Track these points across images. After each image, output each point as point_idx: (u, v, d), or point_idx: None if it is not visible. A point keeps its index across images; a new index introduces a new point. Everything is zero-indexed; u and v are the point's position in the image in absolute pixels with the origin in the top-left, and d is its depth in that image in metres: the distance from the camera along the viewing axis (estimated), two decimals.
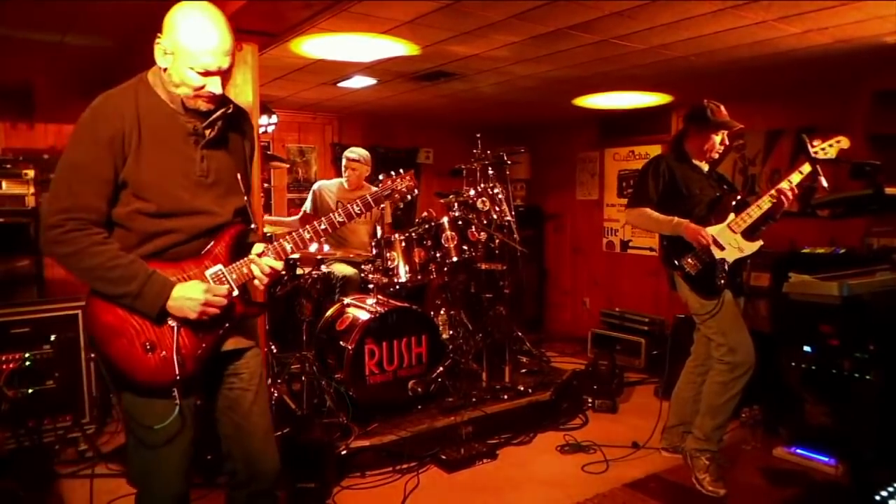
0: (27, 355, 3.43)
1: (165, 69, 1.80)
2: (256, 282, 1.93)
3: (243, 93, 2.92)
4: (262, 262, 1.91)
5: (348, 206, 2.06)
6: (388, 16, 3.18)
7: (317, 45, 3.69)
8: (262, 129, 4.88)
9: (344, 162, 4.83)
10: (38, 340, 3.48)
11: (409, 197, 2.21)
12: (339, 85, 4.85)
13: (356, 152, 4.83)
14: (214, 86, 1.80)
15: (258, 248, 1.94)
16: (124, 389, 1.86)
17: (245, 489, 2.05)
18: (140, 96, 1.82)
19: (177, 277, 1.82)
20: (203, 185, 1.88)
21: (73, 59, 3.96)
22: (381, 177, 2.23)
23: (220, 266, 1.88)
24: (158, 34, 1.79)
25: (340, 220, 2.03)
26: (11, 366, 3.39)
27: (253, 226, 2.02)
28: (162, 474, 1.90)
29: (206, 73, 1.78)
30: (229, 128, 1.97)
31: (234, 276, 1.89)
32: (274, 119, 5.01)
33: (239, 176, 1.97)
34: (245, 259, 1.91)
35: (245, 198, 1.98)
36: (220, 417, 2.04)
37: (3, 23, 3.22)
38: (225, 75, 1.83)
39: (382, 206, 4.45)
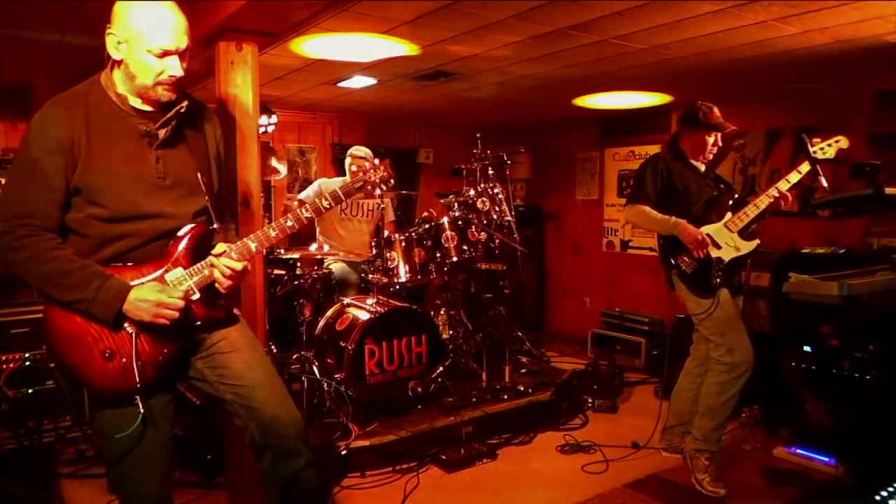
0: (27, 355, 3.43)
1: (121, 61, 1.75)
2: (217, 285, 1.86)
3: (243, 93, 2.92)
4: (219, 264, 1.84)
5: (316, 200, 2.00)
6: (388, 16, 3.18)
7: (317, 45, 3.69)
8: (262, 129, 4.88)
9: (349, 160, 4.82)
10: (38, 340, 3.48)
11: (384, 187, 2.12)
12: (339, 85, 4.85)
13: (362, 150, 4.82)
14: (175, 68, 1.75)
15: (219, 248, 1.88)
16: (81, 397, 1.85)
17: (269, 453, 1.92)
18: (90, 99, 1.78)
19: (137, 282, 1.78)
20: (160, 188, 1.84)
21: (73, 59, 3.96)
22: (353, 168, 2.17)
23: (180, 269, 1.83)
24: (108, 25, 1.74)
25: (308, 215, 1.97)
26: (11, 366, 3.39)
27: (216, 225, 1.95)
28: (136, 481, 1.87)
29: (165, 54, 1.73)
30: (188, 126, 1.92)
31: (196, 279, 1.84)
32: (274, 119, 5.01)
33: (201, 176, 1.90)
34: (205, 261, 1.86)
35: (206, 198, 1.91)
36: (222, 397, 1.95)
37: (4, 22, 3.22)
38: (183, 57, 1.78)
39: (382, 206, 4.50)
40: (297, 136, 6.29)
